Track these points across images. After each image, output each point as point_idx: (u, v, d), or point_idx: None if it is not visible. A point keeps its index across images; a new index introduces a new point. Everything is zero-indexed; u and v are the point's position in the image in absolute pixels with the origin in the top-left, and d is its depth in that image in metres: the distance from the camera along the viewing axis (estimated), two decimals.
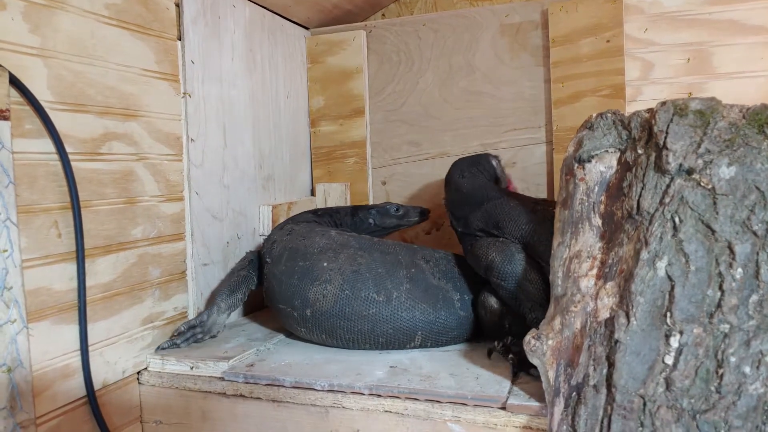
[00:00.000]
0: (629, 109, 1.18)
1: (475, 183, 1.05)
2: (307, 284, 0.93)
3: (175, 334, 0.96)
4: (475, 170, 1.08)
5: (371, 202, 1.43)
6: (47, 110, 0.75)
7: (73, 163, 0.78)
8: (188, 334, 0.96)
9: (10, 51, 0.72)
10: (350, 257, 0.95)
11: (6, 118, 0.69)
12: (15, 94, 0.72)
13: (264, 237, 1.22)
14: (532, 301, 0.84)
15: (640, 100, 1.19)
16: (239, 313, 1.18)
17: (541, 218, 0.91)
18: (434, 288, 0.93)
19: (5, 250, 0.68)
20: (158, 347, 0.93)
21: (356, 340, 0.92)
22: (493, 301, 0.91)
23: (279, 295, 0.96)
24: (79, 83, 0.81)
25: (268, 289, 1.00)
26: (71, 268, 0.79)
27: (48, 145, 0.76)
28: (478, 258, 0.92)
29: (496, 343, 0.87)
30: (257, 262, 1.05)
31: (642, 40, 1.18)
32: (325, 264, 0.94)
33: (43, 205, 0.76)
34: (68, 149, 0.78)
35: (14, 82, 0.71)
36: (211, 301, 1.04)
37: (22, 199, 0.73)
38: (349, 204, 1.42)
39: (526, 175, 1.30)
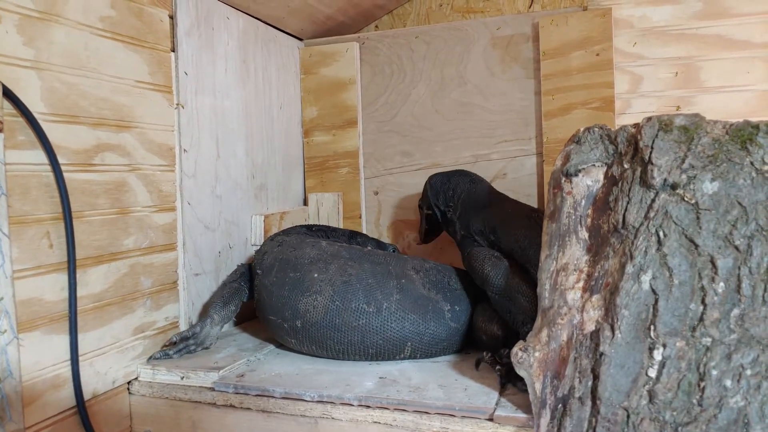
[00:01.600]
0: (619, 122, 1.20)
1: (480, 187, 1.11)
2: (297, 295, 0.93)
3: (168, 344, 0.96)
4: (474, 177, 1.15)
5: (363, 212, 1.44)
6: (40, 122, 0.76)
7: (65, 174, 0.79)
8: (181, 345, 0.95)
9: (3, 63, 0.72)
10: (341, 268, 0.95)
11: None
12: (8, 106, 0.72)
13: (256, 247, 1.23)
14: (524, 315, 0.85)
15: (629, 112, 1.21)
16: (230, 323, 1.18)
17: (533, 224, 0.93)
18: (424, 299, 0.94)
19: None
20: (150, 357, 0.94)
21: (346, 351, 0.92)
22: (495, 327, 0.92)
23: (269, 306, 0.97)
24: (72, 95, 0.82)
25: (258, 300, 1.01)
26: (63, 278, 0.79)
27: (41, 156, 0.77)
28: (474, 270, 0.95)
29: (484, 353, 0.87)
30: (248, 274, 1.06)
31: (631, 54, 1.20)
32: (315, 275, 0.95)
33: (35, 216, 0.76)
34: (61, 160, 0.79)
35: (7, 94, 0.72)
36: (204, 313, 1.05)
37: (15, 210, 0.73)
38: (341, 212, 1.43)
39: (517, 186, 1.31)
